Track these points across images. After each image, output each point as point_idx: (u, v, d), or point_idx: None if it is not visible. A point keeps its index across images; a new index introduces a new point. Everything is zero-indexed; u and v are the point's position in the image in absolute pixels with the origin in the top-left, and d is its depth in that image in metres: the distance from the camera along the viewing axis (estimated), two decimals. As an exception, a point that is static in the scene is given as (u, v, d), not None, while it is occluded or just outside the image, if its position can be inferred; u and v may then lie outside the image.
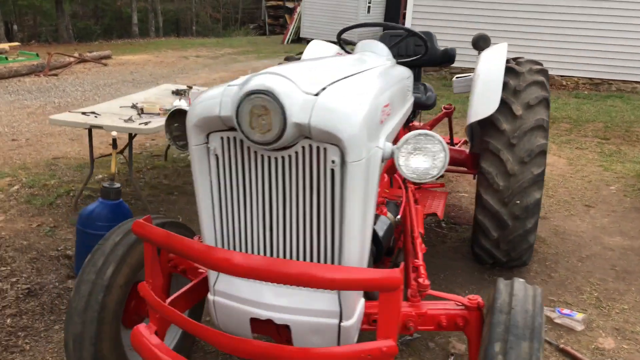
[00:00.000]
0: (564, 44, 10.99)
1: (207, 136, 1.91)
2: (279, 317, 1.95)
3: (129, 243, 2.37)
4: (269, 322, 1.98)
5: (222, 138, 1.88)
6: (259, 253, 1.98)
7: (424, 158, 1.89)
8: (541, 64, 3.79)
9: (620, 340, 3.15)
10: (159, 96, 5.53)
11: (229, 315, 2.04)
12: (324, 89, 1.80)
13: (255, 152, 1.86)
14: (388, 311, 1.71)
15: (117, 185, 3.48)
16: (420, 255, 2.48)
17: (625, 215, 5.07)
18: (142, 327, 2.00)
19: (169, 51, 17.92)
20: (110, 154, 5.58)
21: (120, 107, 4.90)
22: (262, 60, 15.77)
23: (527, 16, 11.13)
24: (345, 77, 2.06)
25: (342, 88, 1.86)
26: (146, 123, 4.37)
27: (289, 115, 1.68)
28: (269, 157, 1.84)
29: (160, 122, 4.46)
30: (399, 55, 3.90)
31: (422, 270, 2.31)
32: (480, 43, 4.05)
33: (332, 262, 1.91)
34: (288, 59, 4.27)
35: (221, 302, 2.05)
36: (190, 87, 5.87)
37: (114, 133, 3.62)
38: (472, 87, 3.68)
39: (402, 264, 1.72)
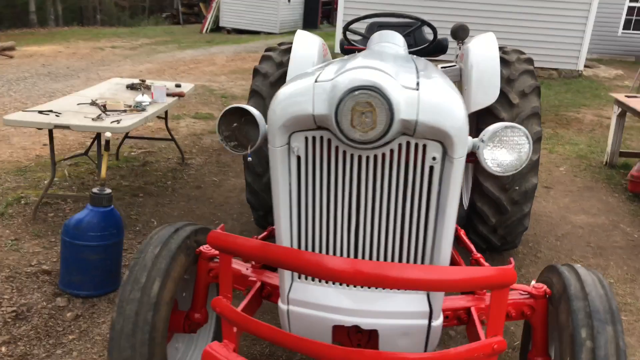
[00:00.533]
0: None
1: (289, 136, 1.78)
2: (366, 322, 1.87)
3: (170, 255, 2.17)
4: (350, 328, 1.89)
5: (306, 138, 1.76)
6: (342, 255, 1.88)
7: (508, 151, 1.87)
8: (524, 53, 3.92)
9: (617, 313, 3.36)
10: (114, 91, 5.15)
11: (307, 324, 1.93)
12: (417, 83, 1.73)
13: (344, 152, 1.76)
14: (498, 308, 1.69)
15: (108, 191, 3.20)
16: (473, 247, 2.49)
17: (581, 194, 5.41)
18: (217, 346, 1.84)
19: (80, 42, 16.75)
20: (68, 158, 5.20)
21: (78, 104, 4.51)
22: (185, 50, 15.18)
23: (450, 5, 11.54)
24: (419, 71, 1.99)
25: (432, 82, 1.80)
26: (118, 121, 4.04)
27: (396, 111, 1.60)
28: (359, 156, 1.75)
29: (131, 119, 4.15)
30: None
31: (482, 261, 2.32)
32: (460, 33, 4.11)
33: (423, 262, 1.86)
34: (270, 50, 4.07)
35: (298, 310, 1.94)
36: (143, 81, 5.51)
37: (108, 134, 3.30)
38: (463, 77, 3.73)
39: (512, 260, 1.70)
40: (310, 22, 22.17)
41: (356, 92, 1.58)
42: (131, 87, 5.32)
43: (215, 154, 6.27)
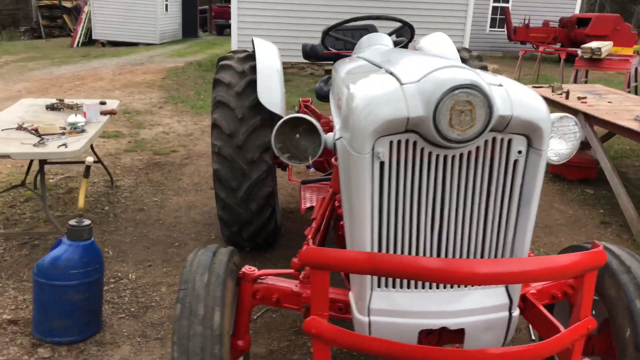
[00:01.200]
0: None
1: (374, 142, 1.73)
2: (453, 323, 1.87)
3: (221, 281, 2.01)
4: (436, 331, 1.89)
5: (391, 142, 1.72)
6: (425, 255, 1.86)
7: (565, 140, 1.98)
8: (472, 51, 4.17)
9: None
10: (34, 113, 4.63)
11: (392, 332, 1.88)
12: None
13: (430, 153, 1.74)
14: (589, 290, 1.78)
15: (87, 222, 2.87)
16: None
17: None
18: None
19: None
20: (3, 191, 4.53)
21: (3, 130, 3.99)
22: (62, 66, 14.04)
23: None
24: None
25: (503, 78, 1.85)
26: (65, 145, 3.64)
27: (495, 108, 1.62)
28: (445, 156, 1.75)
29: (78, 142, 3.77)
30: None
31: None
32: (405, 34, 4.27)
33: (503, 256, 1.90)
34: (227, 59, 3.86)
35: (381, 320, 1.88)
36: (61, 100, 5.01)
37: (90, 159, 2.93)
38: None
39: (596, 243, 1.79)
40: (189, 31, 21.61)
41: (456, 91, 1.58)
42: (52, 107, 4.82)
43: (142, 173, 5.88)
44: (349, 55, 3.50)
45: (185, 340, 1.86)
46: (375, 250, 1.85)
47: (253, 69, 3.77)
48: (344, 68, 2.58)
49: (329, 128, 4.01)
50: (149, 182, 5.61)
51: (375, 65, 2.22)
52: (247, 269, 2.20)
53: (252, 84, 3.67)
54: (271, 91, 3.55)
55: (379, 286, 1.92)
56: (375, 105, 1.68)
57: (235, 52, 4.06)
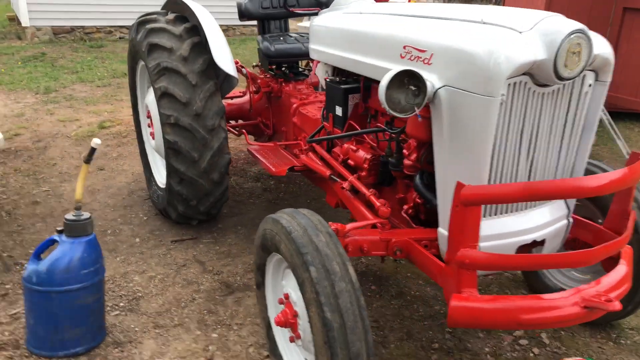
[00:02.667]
0: None
1: (495, 85, 1.93)
2: (540, 235, 2.22)
3: (336, 238, 2.05)
4: (527, 245, 2.21)
5: (509, 85, 1.94)
6: (519, 180, 2.14)
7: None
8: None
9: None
10: None
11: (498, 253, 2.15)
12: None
13: (534, 92, 2.00)
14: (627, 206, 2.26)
15: (87, 214, 2.50)
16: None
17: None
18: (468, 297, 1.93)
19: None
20: None
21: None
22: None
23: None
24: None
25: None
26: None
27: (594, 49, 1.96)
28: (542, 94, 2.02)
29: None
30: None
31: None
32: None
33: (571, 175, 2.28)
34: (153, 22, 3.36)
35: (488, 245, 2.13)
36: None
37: (97, 140, 2.40)
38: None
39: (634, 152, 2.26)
40: None
41: (572, 36, 1.87)
42: None
43: (-1, 163, 5.00)
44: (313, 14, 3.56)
45: (333, 299, 1.89)
46: (487, 182, 2.06)
47: (189, 31, 3.54)
48: (383, 23, 2.54)
49: (269, 89, 3.99)
50: (17, 171, 4.82)
51: (435, 18, 2.34)
52: (336, 225, 2.25)
53: (195, 48, 3.46)
54: (223, 52, 3.41)
55: (484, 216, 2.16)
56: (508, 52, 1.87)
57: (156, 13, 3.72)
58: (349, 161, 2.91)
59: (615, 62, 2.16)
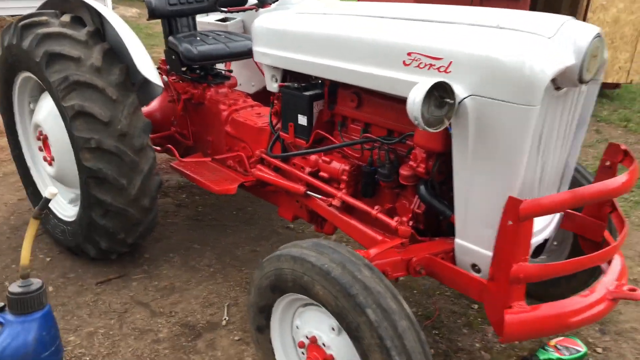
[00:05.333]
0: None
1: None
2: (547, 234, 2.25)
3: (376, 269, 1.86)
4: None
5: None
6: (534, 182, 2.13)
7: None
8: None
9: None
10: None
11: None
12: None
13: (552, 95, 1.96)
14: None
15: (38, 281, 1.96)
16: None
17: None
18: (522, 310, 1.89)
19: None
20: None
21: None
22: None
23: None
24: None
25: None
26: None
27: (605, 52, 2.00)
28: (557, 96, 1.99)
29: None
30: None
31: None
32: None
33: (564, 173, 2.32)
34: (42, 25, 2.56)
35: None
36: None
37: (54, 190, 1.75)
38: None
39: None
40: None
41: (595, 39, 1.88)
42: None
43: None
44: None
45: (398, 340, 1.71)
46: (519, 191, 2.00)
47: (94, 35, 2.97)
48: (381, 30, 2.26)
49: (189, 95, 3.54)
50: None
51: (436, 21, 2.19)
52: (361, 252, 2.05)
53: (108, 55, 2.92)
54: (144, 58, 2.93)
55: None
56: (544, 59, 1.80)
57: (44, 14, 3.05)
58: (321, 173, 2.69)
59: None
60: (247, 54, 3.48)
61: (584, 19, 6.92)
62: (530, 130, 1.87)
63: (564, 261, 2.08)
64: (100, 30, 3.10)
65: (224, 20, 4.02)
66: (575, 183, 2.48)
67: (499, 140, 1.92)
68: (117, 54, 3.00)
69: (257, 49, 2.81)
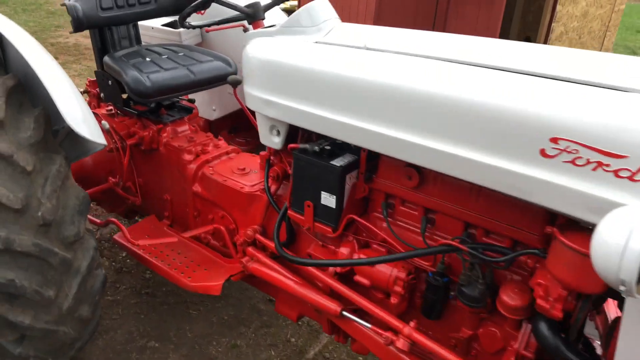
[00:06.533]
0: None
1: None
2: None
3: None
4: None
5: None
6: None
7: None
8: None
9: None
10: None
11: None
12: None
13: None
14: None
15: None
16: None
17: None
18: None
19: None
20: None
21: None
22: None
23: None
24: None
25: None
26: None
27: None
28: None
29: None
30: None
31: None
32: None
33: None
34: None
35: None
36: None
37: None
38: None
39: None
40: None
41: None
42: None
43: None
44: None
45: None
46: None
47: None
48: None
49: (137, 140, 2.52)
50: None
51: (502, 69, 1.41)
52: None
53: (13, 97, 1.88)
54: (74, 100, 1.91)
55: None
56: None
57: None
58: (357, 278, 1.85)
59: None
60: (219, 80, 2.53)
61: (553, 12, 6.42)
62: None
63: None
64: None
65: (173, 25, 2.99)
66: None
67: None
68: (26, 91, 1.96)
69: (251, 91, 1.88)
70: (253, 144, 3.34)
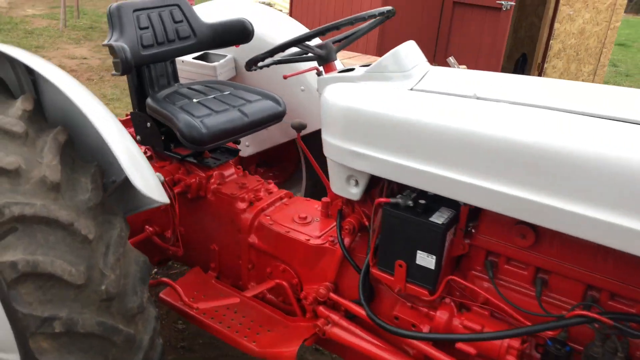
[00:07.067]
0: None
1: None
2: None
3: None
4: None
5: None
6: None
7: None
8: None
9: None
10: None
11: None
12: None
13: None
14: None
15: None
16: None
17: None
18: None
19: None
20: None
21: None
22: None
23: None
24: None
25: None
26: None
27: None
28: None
29: None
30: None
31: None
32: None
33: None
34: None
35: None
36: None
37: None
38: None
39: None
40: None
41: None
42: None
43: None
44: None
45: None
46: None
47: (34, 118, 1.69)
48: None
49: (184, 188, 2.30)
50: None
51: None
52: None
53: (66, 155, 1.66)
54: (141, 163, 1.70)
55: None
56: None
57: None
58: (460, 345, 1.68)
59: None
60: (270, 120, 2.35)
61: (551, 30, 6.43)
62: None
63: None
64: (37, 100, 1.82)
65: (205, 57, 2.79)
66: None
67: None
68: (73, 144, 1.75)
69: (332, 140, 1.71)
70: (281, 178, 3.18)
